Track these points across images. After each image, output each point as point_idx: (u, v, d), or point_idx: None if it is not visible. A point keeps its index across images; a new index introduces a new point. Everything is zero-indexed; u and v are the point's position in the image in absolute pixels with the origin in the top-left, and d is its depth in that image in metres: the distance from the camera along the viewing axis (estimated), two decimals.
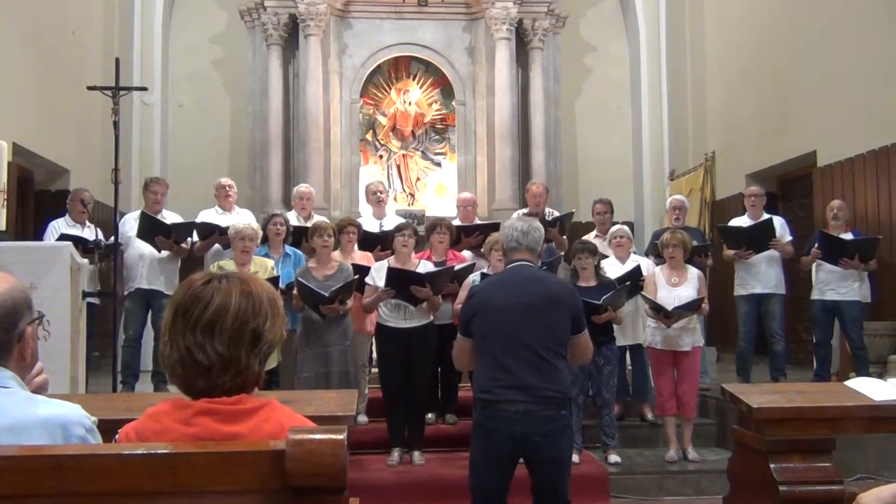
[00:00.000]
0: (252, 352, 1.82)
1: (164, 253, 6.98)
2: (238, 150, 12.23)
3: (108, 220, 7.55)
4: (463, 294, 5.74)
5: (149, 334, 7.20)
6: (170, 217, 7.27)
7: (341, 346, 5.96)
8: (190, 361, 1.78)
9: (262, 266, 6.20)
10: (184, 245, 7.06)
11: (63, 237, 6.64)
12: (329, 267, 6.09)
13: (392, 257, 6.24)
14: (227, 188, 7.59)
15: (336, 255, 6.47)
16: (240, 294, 1.82)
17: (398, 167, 12.06)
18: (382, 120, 12.06)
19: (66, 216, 7.24)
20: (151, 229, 6.88)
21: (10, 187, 5.84)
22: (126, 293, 6.98)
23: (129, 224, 7.04)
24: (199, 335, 1.78)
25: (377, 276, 6.00)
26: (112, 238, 6.50)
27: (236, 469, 1.65)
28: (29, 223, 8.63)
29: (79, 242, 6.42)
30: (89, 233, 6.96)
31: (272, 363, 6.11)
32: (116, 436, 1.85)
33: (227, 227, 6.52)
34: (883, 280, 7.30)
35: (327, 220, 6.57)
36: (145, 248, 6.95)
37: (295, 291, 5.92)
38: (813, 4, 8.81)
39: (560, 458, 3.68)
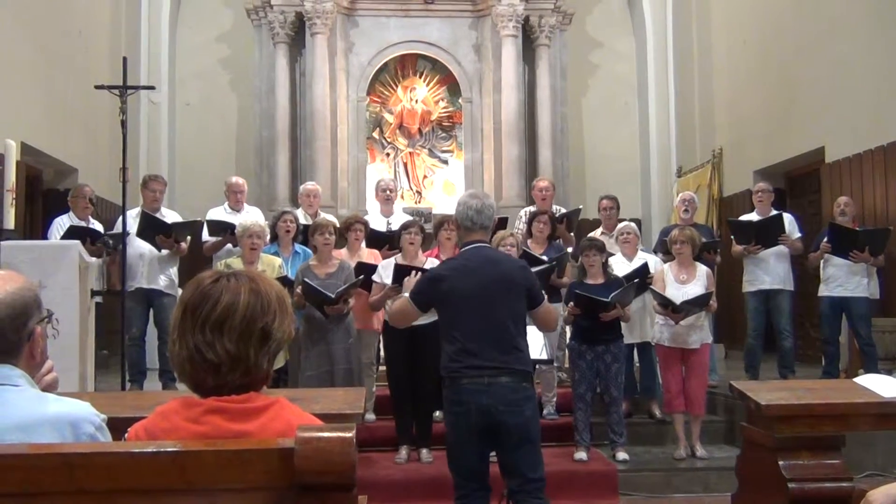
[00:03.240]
0: (261, 350, 1.82)
1: (164, 252, 6.98)
2: (245, 149, 12.25)
3: (115, 218, 7.55)
4: None
5: (152, 332, 7.21)
6: (168, 215, 7.27)
7: (345, 344, 5.96)
8: (199, 359, 1.79)
9: (270, 264, 6.19)
10: (183, 244, 7.06)
11: (73, 229, 6.65)
12: (330, 265, 6.08)
13: (399, 255, 6.24)
14: (239, 193, 7.57)
15: (343, 252, 6.48)
16: (249, 292, 1.82)
17: (405, 165, 12.08)
18: (389, 118, 12.07)
19: (70, 213, 7.23)
20: (151, 228, 6.88)
21: (18, 186, 5.85)
22: (126, 292, 6.99)
23: (129, 222, 7.03)
24: (207, 333, 1.78)
25: (384, 273, 6.01)
26: (120, 232, 6.52)
27: (245, 467, 1.65)
28: (37, 222, 8.67)
29: (88, 234, 6.44)
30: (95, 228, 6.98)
31: (280, 362, 6.12)
32: (126, 434, 1.86)
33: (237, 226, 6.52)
34: (892, 277, 7.27)
35: (328, 218, 6.56)
36: (145, 246, 6.93)
37: (298, 290, 5.92)
38: (820, 0, 8.78)
39: (525, 427, 3.77)
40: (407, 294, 4.14)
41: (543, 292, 4.19)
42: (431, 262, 6.13)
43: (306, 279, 5.85)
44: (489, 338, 3.77)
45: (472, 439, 3.76)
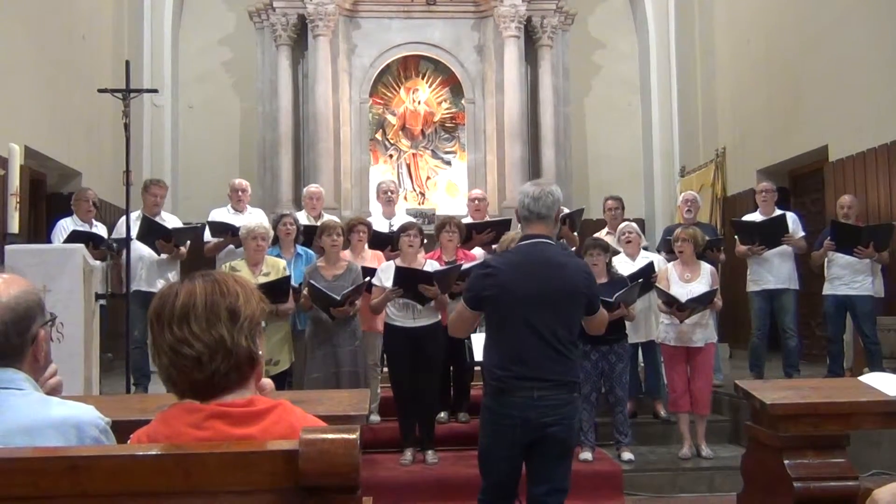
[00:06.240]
0: (234, 328, 1.79)
1: (164, 255, 6.99)
2: (248, 151, 12.26)
3: (119, 221, 7.53)
4: None
5: None
6: (168, 219, 7.28)
7: (351, 347, 5.96)
8: (180, 359, 1.77)
9: (275, 266, 6.18)
10: (183, 249, 7.06)
11: (76, 233, 6.66)
12: (338, 267, 6.08)
13: (399, 257, 6.24)
14: (241, 193, 7.58)
15: (346, 254, 6.47)
16: (203, 281, 1.83)
17: (408, 166, 12.08)
18: (392, 119, 12.08)
19: (73, 216, 7.24)
20: (151, 232, 6.89)
21: (22, 190, 5.86)
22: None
23: (130, 225, 7.02)
24: (176, 330, 1.77)
25: (384, 276, 5.99)
26: (123, 236, 6.52)
27: (249, 469, 1.65)
28: (41, 226, 8.67)
29: (90, 239, 6.44)
30: (98, 232, 6.98)
31: (285, 364, 6.12)
32: (129, 440, 1.86)
33: (240, 227, 6.52)
34: None
35: (336, 220, 6.56)
36: (145, 249, 6.93)
37: (305, 292, 5.91)
38: None
39: (570, 441, 3.67)
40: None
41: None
42: (431, 264, 6.14)
43: (312, 281, 5.85)
44: (542, 347, 3.54)
45: (513, 453, 3.60)
